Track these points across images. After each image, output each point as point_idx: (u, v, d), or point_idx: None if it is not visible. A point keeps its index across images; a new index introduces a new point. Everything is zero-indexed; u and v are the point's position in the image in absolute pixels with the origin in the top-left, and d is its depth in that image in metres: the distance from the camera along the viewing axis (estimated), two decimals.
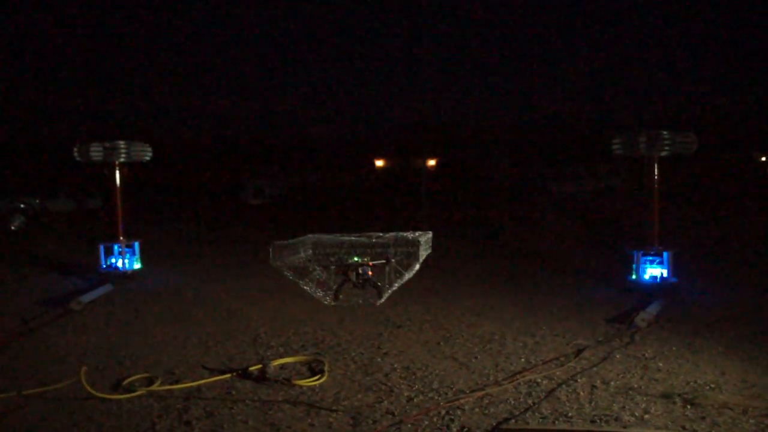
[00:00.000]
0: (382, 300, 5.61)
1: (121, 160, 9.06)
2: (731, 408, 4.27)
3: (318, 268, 5.52)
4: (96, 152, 8.95)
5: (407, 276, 5.53)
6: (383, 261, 5.49)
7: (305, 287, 5.64)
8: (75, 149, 9.10)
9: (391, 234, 5.62)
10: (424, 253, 5.47)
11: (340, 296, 5.77)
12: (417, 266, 5.52)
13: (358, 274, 5.52)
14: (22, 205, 17.23)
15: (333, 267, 5.53)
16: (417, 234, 5.55)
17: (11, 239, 14.91)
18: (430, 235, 5.71)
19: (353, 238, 5.53)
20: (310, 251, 5.54)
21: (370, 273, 5.53)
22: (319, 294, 5.71)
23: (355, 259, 5.48)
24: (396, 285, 5.54)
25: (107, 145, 8.97)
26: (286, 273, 5.65)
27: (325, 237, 5.60)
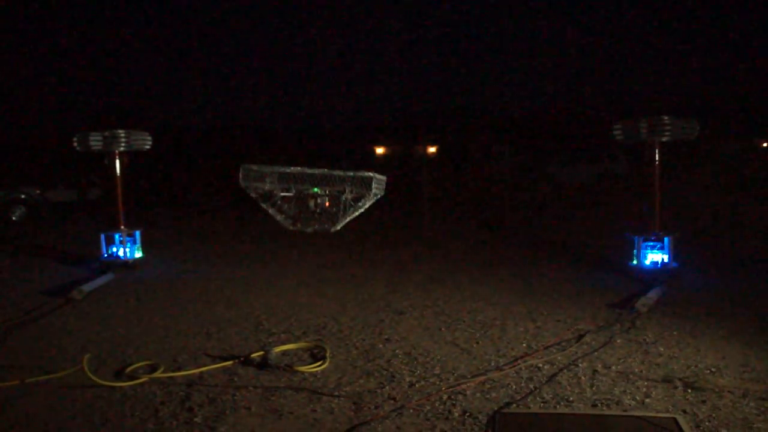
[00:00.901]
0: (337, 228, 6.03)
1: (121, 149, 9.04)
2: (731, 391, 4.28)
3: (280, 196, 5.96)
4: (96, 141, 8.94)
5: (360, 209, 5.96)
6: (339, 193, 5.93)
7: (269, 210, 5.93)
8: (74, 139, 9.09)
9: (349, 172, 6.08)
10: (377, 191, 5.87)
11: (299, 223, 6.20)
12: (369, 202, 5.97)
13: (316, 203, 5.99)
14: (22, 196, 17.18)
15: (294, 195, 5.98)
16: (373, 174, 5.95)
17: (12, 230, 14.92)
18: (384, 178, 6.10)
19: (314, 171, 5.93)
20: (276, 180, 5.96)
21: (327, 204, 5.98)
22: (280, 218, 6.18)
23: (315, 190, 5.91)
24: (350, 216, 5.97)
25: (107, 134, 8.95)
26: (251, 194, 6.10)
27: (290, 168, 6.04)
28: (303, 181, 5.91)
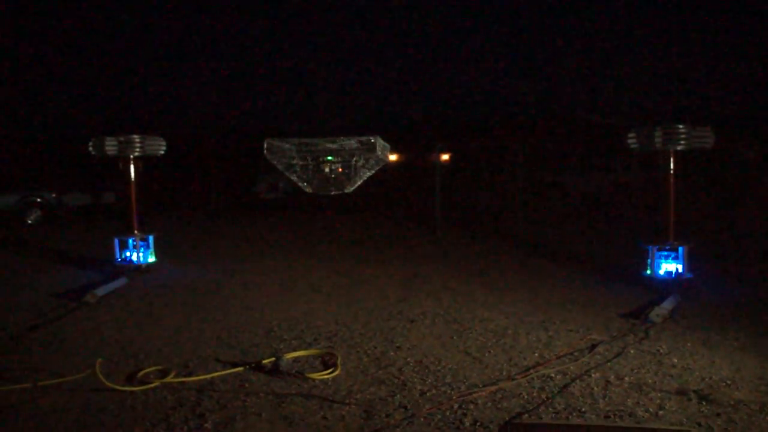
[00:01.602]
0: (351, 189, 6.79)
1: (136, 154, 9.12)
2: (747, 405, 4.23)
3: (300, 163, 6.71)
4: (111, 146, 9.02)
5: (369, 173, 6.76)
6: (350, 158, 6.73)
7: (291, 177, 6.90)
8: (90, 143, 9.17)
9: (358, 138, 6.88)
10: (381, 153, 6.64)
11: (317, 188, 7.02)
12: (376, 166, 6.80)
13: (330, 169, 6.78)
14: (38, 199, 17.35)
15: (311, 162, 6.76)
16: (376, 138, 6.73)
17: (28, 233, 15.05)
18: (388, 146, 6.86)
19: (328, 142, 6.69)
20: (295, 151, 6.70)
21: (340, 169, 6.74)
22: (301, 185, 6.98)
23: (329, 158, 6.70)
24: (360, 179, 6.72)
25: (122, 139, 9.03)
26: (275, 164, 6.81)
27: (307, 140, 6.80)
28: (318, 151, 6.63)
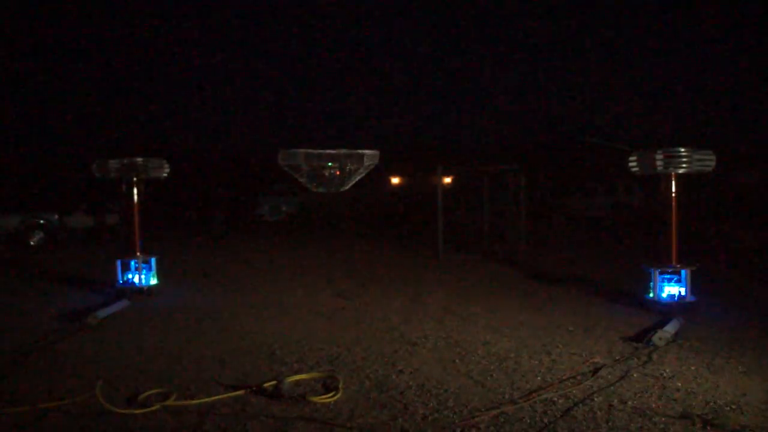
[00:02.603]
0: (344, 188, 8.28)
1: (139, 176, 9.16)
2: (753, 429, 4.20)
3: (306, 168, 8.17)
4: (114, 169, 9.07)
5: (360, 176, 8.29)
6: (344, 165, 8.26)
7: (299, 179, 8.28)
8: (93, 166, 9.23)
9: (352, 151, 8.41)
10: (369, 162, 8.08)
11: (319, 186, 8.42)
12: (365, 171, 8.36)
13: (330, 173, 8.30)
14: (40, 221, 17.39)
15: (315, 168, 8.25)
16: (364, 151, 8.22)
17: (30, 255, 15.06)
18: (377, 152, 8.27)
19: (329, 151, 8.19)
20: (303, 158, 8.14)
21: (337, 173, 8.26)
22: (309, 185, 8.34)
23: (329, 164, 8.20)
24: (353, 181, 8.26)
25: (125, 161, 9.08)
26: (287, 170, 8.22)
27: (312, 150, 8.24)
28: (321, 159, 8.11)
